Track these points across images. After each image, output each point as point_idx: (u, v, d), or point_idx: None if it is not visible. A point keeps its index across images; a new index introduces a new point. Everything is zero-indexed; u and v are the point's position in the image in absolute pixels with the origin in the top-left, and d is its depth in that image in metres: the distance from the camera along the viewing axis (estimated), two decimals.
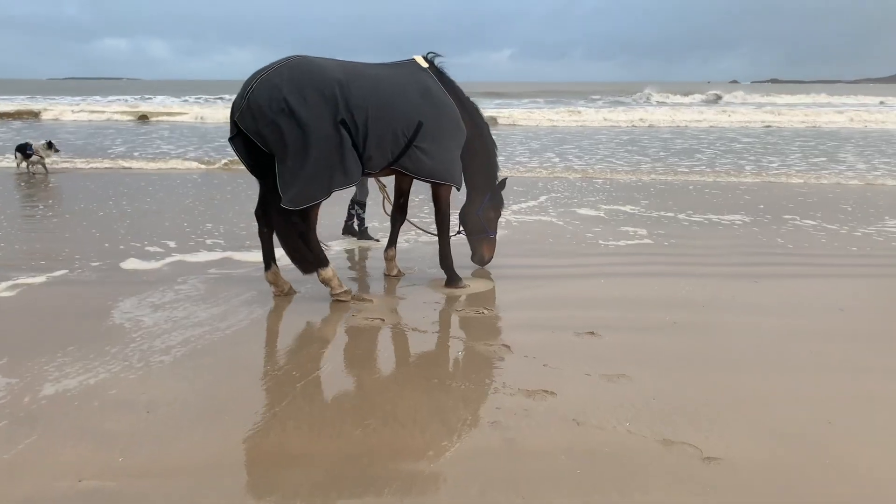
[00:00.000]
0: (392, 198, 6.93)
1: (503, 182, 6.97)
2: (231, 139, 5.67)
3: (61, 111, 35.23)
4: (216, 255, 7.82)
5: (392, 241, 6.95)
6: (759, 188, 13.75)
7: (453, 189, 6.43)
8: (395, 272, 6.95)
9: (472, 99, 6.64)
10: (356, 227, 8.59)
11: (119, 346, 5.04)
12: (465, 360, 4.88)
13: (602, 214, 10.78)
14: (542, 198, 12.41)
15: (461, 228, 7.09)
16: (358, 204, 8.52)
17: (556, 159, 18.47)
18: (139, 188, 13.06)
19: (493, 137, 6.84)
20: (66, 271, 7.02)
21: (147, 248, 8.11)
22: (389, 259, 6.96)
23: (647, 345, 5.15)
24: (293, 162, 5.45)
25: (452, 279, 6.58)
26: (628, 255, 8.06)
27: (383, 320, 5.66)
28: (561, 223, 9.98)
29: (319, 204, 5.72)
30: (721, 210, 11.07)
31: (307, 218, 5.74)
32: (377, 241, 8.45)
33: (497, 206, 6.96)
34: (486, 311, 5.90)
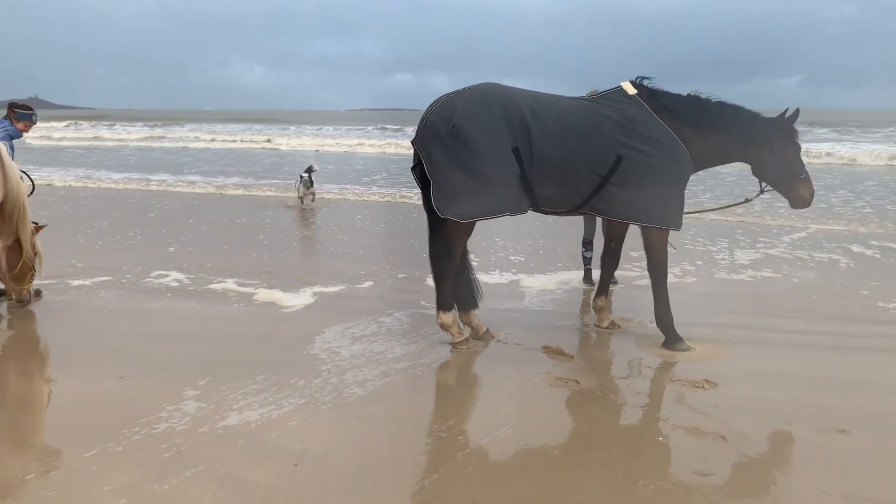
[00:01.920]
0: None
1: (793, 115, 5.58)
2: (413, 168, 5.51)
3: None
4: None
5: (602, 290, 6.22)
6: None
7: None
8: (606, 324, 6.17)
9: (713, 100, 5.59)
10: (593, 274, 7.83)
11: (307, 380, 4.93)
12: (666, 450, 4.00)
13: (878, 255, 8.93)
14: (814, 227, 10.69)
15: (750, 197, 6.10)
16: (584, 243, 7.82)
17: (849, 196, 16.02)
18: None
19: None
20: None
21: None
22: (599, 309, 6.21)
23: None
24: (454, 178, 5.14)
25: (671, 340, 5.64)
26: None
27: (578, 382, 4.94)
28: (829, 272, 8.38)
29: (466, 240, 5.52)
30: None
31: (452, 253, 5.47)
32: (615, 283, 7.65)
33: (790, 142, 5.65)
34: (706, 386, 4.89)
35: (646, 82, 5.55)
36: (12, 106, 7.29)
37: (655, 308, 5.71)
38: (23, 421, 4.31)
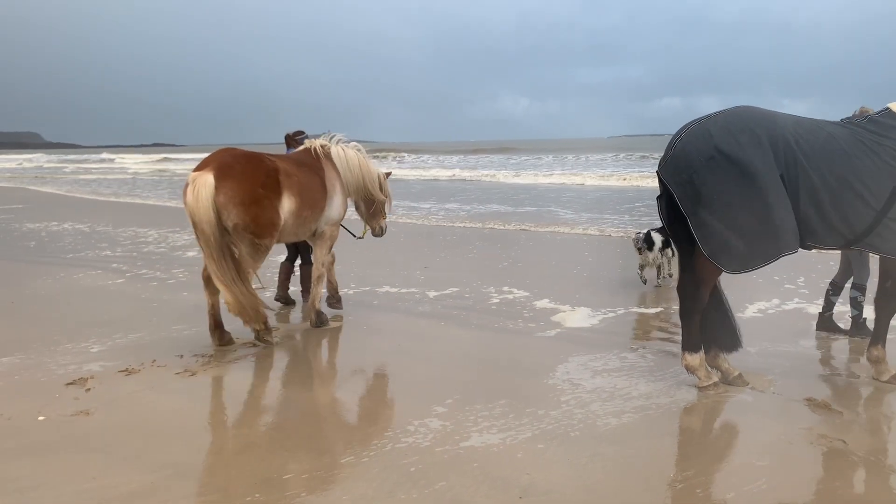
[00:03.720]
0: None
1: None
2: (658, 198, 5.25)
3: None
4: None
5: (878, 338, 5.38)
6: None
7: None
8: (886, 378, 5.32)
9: None
10: (833, 320, 6.76)
11: (545, 410, 4.92)
12: None
13: None
14: None
15: None
16: (857, 288, 6.60)
17: None
18: None
19: None
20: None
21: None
22: (876, 361, 5.38)
23: None
24: (724, 217, 4.73)
25: None
26: None
27: (845, 443, 4.33)
28: None
29: (716, 279, 5.13)
30: None
31: (701, 292, 5.10)
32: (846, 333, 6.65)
33: None
34: None
35: None
36: (290, 136, 8.47)
37: None
38: (284, 425, 4.82)
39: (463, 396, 5.15)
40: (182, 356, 6.18)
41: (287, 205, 6.38)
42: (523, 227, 15.67)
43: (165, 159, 71.31)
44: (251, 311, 6.14)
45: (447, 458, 4.17)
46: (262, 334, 6.47)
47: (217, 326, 6.51)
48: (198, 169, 6.11)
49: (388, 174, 8.12)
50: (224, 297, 6.09)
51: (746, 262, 4.82)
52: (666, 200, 5.14)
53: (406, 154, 63.57)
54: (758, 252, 4.78)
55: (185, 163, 56.47)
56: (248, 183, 6.03)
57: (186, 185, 6.07)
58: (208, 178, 5.92)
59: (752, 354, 5.99)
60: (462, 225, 16.44)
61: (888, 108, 4.91)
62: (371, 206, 7.88)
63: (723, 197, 4.74)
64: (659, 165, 5.13)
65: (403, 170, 41.84)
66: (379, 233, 8.23)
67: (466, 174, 38.01)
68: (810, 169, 4.70)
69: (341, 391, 5.56)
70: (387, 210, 8.16)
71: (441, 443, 4.38)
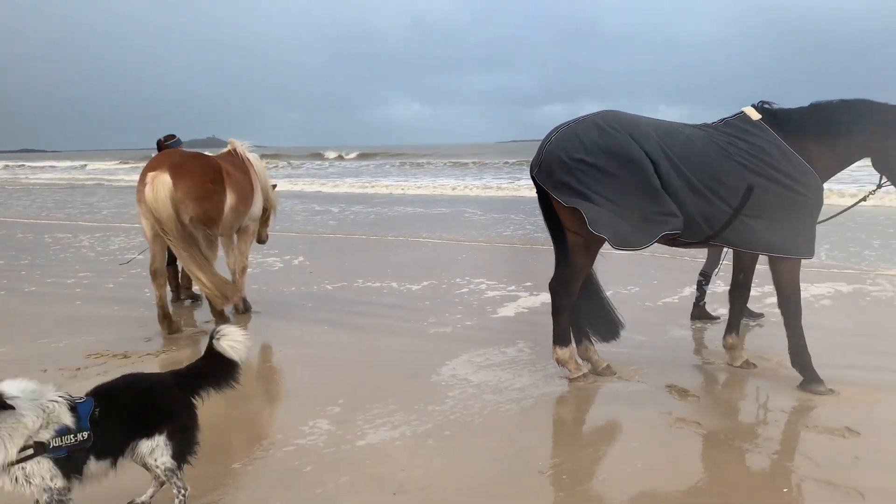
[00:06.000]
0: None
1: None
2: (539, 198, 5.44)
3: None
4: None
5: (732, 326, 5.82)
6: None
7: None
8: (739, 363, 5.76)
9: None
10: (706, 308, 7.31)
11: (432, 406, 5.00)
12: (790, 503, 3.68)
13: None
14: None
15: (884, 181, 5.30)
16: (702, 274, 7.26)
17: None
18: None
19: None
20: None
21: None
22: (730, 348, 5.81)
23: None
24: (602, 203, 4.93)
25: (809, 380, 5.19)
26: None
27: (700, 424, 4.65)
28: None
29: (586, 273, 5.41)
30: None
31: (572, 287, 5.34)
32: (717, 319, 7.18)
33: None
34: (846, 435, 4.42)
35: (772, 108, 5.20)
36: (161, 141, 8.51)
37: (789, 345, 5.30)
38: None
39: (352, 398, 5.14)
40: (46, 370, 5.86)
41: (229, 200, 7.04)
42: (381, 236, 15.80)
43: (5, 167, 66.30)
44: (227, 289, 6.75)
45: (332, 459, 4.18)
46: (239, 307, 7.62)
47: (165, 316, 7.02)
48: (151, 169, 6.59)
49: (273, 186, 8.54)
50: (200, 286, 6.68)
51: (634, 239, 4.94)
52: (542, 200, 5.36)
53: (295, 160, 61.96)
54: (641, 230, 4.93)
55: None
56: (200, 179, 6.67)
57: (144, 185, 6.55)
58: (165, 177, 6.43)
59: (632, 344, 6.31)
60: (333, 235, 16.39)
61: (742, 112, 5.24)
62: (264, 215, 8.36)
63: (597, 188, 4.91)
64: (531, 169, 5.32)
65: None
66: (265, 239, 8.78)
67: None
68: (672, 168, 4.95)
69: (227, 399, 5.38)
70: (271, 219, 8.73)
71: (329, 444, 4.38)
